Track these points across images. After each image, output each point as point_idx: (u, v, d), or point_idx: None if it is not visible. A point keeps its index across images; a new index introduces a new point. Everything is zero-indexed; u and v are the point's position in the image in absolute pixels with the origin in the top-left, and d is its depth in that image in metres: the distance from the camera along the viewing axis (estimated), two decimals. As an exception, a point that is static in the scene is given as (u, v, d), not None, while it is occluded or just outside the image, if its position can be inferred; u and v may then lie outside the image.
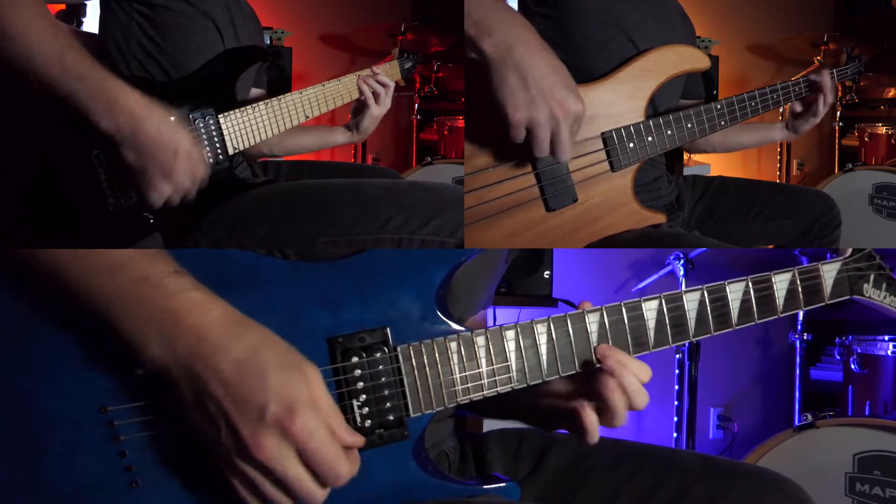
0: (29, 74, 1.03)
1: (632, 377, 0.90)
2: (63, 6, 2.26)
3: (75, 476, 0.82)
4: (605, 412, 0.91)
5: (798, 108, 1.60)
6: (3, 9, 1.02)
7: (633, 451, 1.12)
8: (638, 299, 0.95)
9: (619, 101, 1.32)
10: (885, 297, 1.08)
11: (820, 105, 1.56)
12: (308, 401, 0.77)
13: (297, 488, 0.77)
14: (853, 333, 2.69)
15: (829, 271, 1.05)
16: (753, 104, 1.47)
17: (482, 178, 1.22)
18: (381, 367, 0.87)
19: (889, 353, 2.57)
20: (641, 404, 0.91)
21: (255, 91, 1.67)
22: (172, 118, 1.12)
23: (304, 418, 0.76)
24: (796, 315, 2.78)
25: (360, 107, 1.67)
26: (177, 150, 1.10)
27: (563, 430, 0.99)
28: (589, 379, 0.92)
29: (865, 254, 1.07)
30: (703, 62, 1.39)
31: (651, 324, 0.95)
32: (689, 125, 1.38)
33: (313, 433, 0.76)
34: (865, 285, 1.06)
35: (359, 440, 0.81)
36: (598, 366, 0.92)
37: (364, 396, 0.86)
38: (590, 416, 0.92)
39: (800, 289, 1.02)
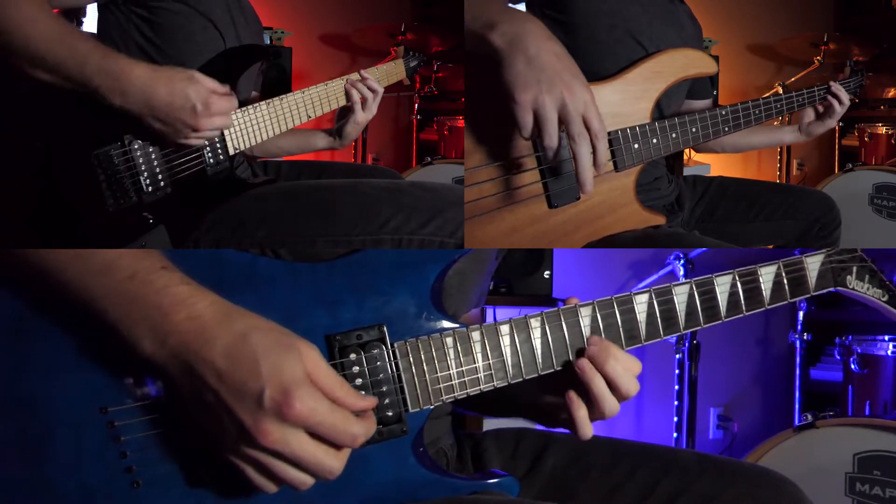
0: (43, 63, 1.05)
1: (614, 362, 0.90)
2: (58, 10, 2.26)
3: (77, 478, 0.82)
4: (592, 402, 0.91)
5: (815, 112, 1.67)
6: (3, 7, 1.03)
7: (631, 451, 1.12)
8: (629, 293, 0.96)
9: (627, 101, 1.32)
10: (867, 289, 1.09)
11: (836, 108, 1.63)
12: (303, 379, 0.76)
13: (310, 465, 0.78)
14: (853, 333, 2.69)
15: (812, 263, 1.06)
16: (757, 111, 1.48)
17: (485, 172, 1.22)
18: (378, 363, 0.87)
19: (889, 353, 2.57)
20: (632, 390, 0.91)
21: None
22: (181, 70, 1.16)
23: (302, 397, 0.76)
24: (796, 315, 2.78)
25: (344, 112, 1.63)
26: (194, 106, 1.13)
27: (565, 430, 0.99)
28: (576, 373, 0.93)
29: (847, 248, 1.08)
30: (711, 67, 1.40)
31: (642, 317, 0.96)
32: (694, 129, 1.39)
33: (315, 409, 0.76)
34: (849, 277, 1.08)
35: (369, 402, 0.81)
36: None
37: (363, 393, 0.87)
38: (579, 410, 0.92)
39: (785, 280, 1.04)
